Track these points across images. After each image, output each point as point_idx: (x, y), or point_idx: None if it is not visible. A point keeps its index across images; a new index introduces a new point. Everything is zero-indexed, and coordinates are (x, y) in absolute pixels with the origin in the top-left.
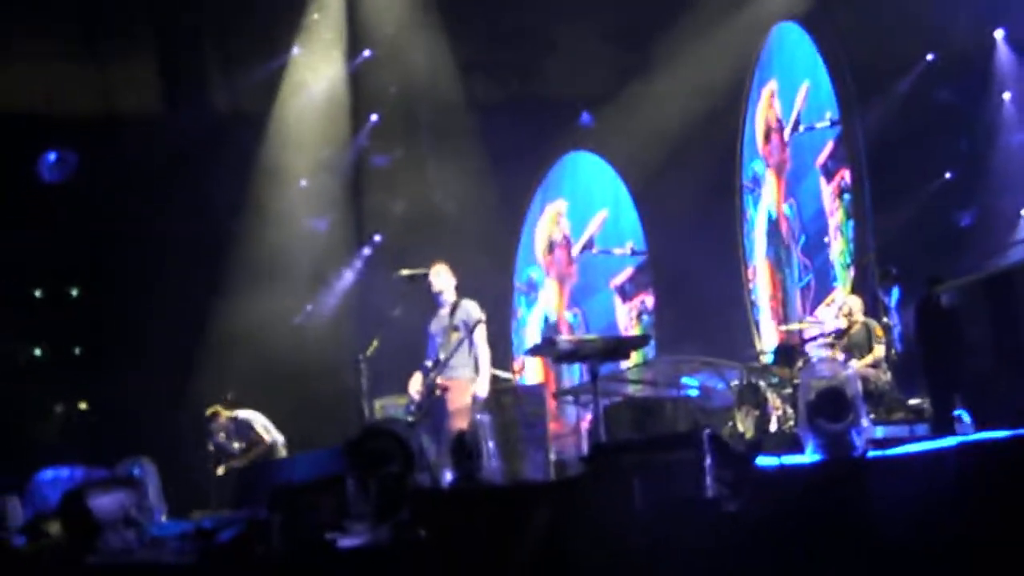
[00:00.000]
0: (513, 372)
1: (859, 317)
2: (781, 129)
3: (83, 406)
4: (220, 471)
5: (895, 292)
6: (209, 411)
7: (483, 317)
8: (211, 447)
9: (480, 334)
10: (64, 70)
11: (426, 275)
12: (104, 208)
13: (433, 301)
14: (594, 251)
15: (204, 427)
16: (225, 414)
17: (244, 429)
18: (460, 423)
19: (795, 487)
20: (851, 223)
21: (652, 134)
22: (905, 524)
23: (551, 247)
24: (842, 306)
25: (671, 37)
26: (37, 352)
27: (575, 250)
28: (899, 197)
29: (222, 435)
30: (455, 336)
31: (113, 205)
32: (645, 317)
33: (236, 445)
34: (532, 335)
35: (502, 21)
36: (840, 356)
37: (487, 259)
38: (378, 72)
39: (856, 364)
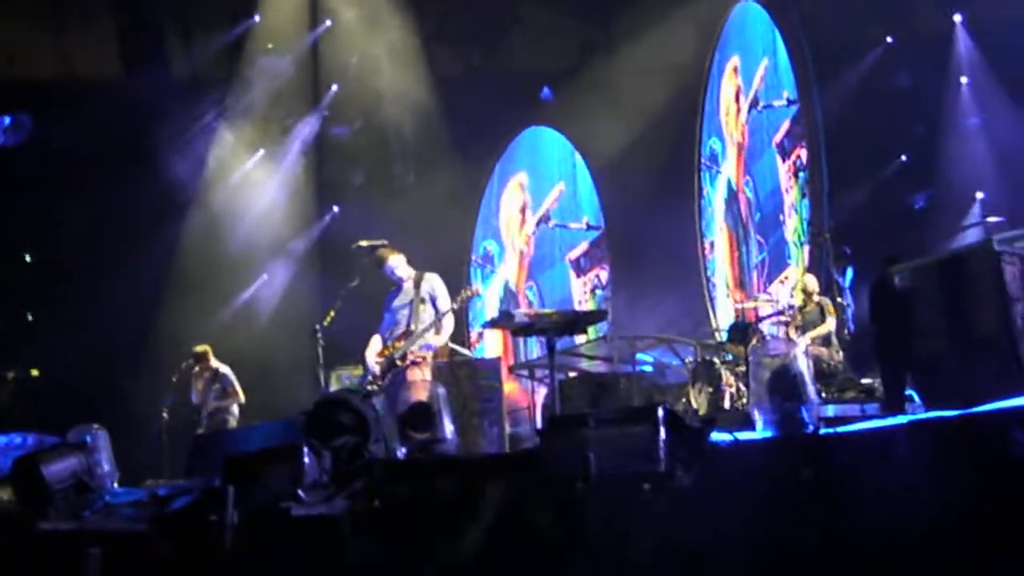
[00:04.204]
0: (469, 346)
1: (815, 296)
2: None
3: (35, 372)
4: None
5: (849, 273)
6: (200, 348)
7: (446, 293)
8: (191, 396)
9: (444, 303)
10: (23, 33)
11: (384, 246)
12: (59, 173)
13: (388, 278)
14: (550, 224)
15: (185, 371)
16: (213, 359)
17: (225, 381)
18: (416, 395)
19: (748, 463)
20: (806, 202)
21: (612, 110)
22: (855, 500)
23: (515, 217)
24: (798, 283)
25: (634, 14)
26: None
27: (531, 222)
28: (855, 178)
29: (200, 384)
30: (423, 308)
31: (69, 170)
32: (599, 291)
33: (214, 393)
34: (491, 306)
35: None
36: (795, 334)
37: (445, 231)
38: (339, 42)
39: (804, 339)
